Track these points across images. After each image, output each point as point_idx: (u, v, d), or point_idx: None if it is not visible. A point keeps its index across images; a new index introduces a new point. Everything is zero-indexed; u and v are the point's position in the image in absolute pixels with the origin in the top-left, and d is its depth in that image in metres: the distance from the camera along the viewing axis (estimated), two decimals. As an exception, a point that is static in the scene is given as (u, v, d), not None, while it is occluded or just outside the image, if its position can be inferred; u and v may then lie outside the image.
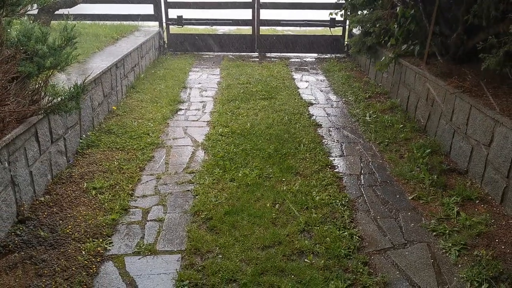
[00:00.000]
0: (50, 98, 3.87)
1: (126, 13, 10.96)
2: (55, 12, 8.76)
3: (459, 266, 3.49)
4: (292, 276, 3.30)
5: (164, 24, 11.12)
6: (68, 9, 8.49)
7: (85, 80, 4.22)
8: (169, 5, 11.00)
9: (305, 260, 3.50)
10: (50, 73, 4.27)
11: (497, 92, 4.97)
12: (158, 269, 3.42)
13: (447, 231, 3.88)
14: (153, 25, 11.16)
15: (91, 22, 10.31)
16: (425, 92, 6.20)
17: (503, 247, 3.71)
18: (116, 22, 10.65)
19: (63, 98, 3.78)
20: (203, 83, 8.74)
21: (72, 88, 3.79)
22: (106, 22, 10.37)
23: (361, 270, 3.39)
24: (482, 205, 4.32)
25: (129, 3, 10.86)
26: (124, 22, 10.77)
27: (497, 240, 3.79)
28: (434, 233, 3.90)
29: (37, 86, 4.20)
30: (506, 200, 4.23)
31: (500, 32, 5.00)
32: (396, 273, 3.41)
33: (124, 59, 7.61)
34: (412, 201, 4.43)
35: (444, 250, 3.68)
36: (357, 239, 3.78)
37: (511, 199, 4.14)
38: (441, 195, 4.47)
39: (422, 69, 6.42)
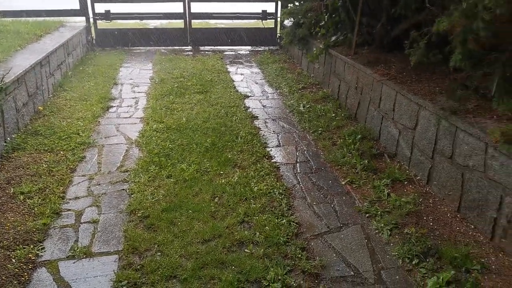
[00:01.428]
0: None
1: (49, 8, 10.40)
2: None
3: (391, 244, 3.67)
4: (233, 267, 3.32)
5: (91, 19, 10.68)
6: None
7: (3, 77, 3.96)
8: (95, -1, 10.59)
9: (245, 250, 3.53)
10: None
11: (420, 78, 5.25)
12: (94, 271, 3.31)
13: (379, 212, 4.07)
14: (80, 21, 10.68)
15: (12, 19, 9.67)
16: (354, 81, 6.43)
17: (430, 224, 3.95)
18: (39, 18, 10.05)
19: None
20: (135, 78, 8.51)
21: None
22: (28, 18, 9.77)
23: (299, 255, 3.47)
24: (410, 186, 4.56)
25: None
26: (48, 18, 10.20)
27: (425, 218, 4.03)
28: (367, 215, 4.07)
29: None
30: (432, 180, 4.50)
31: (420, 21, 5.27)
32: (333, 256, 3.53)
33: (49, 56, 7.23)
34: (345, 185, 4.59)
35: (377, 231, 3.85)
36: (295, 226, 3.87)
37: (437, 179, 4.41)
38: (372, 178, 4.67)
39: (350, 58, 6.64)
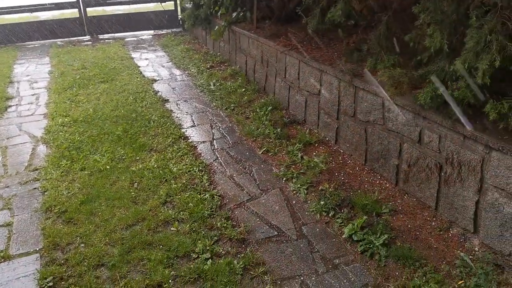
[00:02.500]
0: None
1: None
2: None
3: (309, 202, 3.91)
4: (161, 246, 3.35)
5: (-28, 15, 9.77)
6: None
7: None
8: (-26, -7, 9.68)
9: (171, 229, 3.56)
10: None
11: (320, 46, 5.52)
12: (16, 274, 3.16)
13: (295, 175, 4.29)
14: (-41, 17, 9.74)
15: None
16: (259, 55, 6.59)
17: (342, 178, 4.25)
18: None
19: None
20: (32, 74, 7.98)
21: None
22: None
23: (225, 225, 3.58)
24: (321, 147, 4.84)
25: None
26: None
27: (336, 174, 4.32)
28: (284, 179, 4.28)
29: None
30: (340, 139, 4.81)
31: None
32: (256, 221, 3.68)
33: None
34: (262, 155, 4.76)
35: (294, 191, 4.07)
36: (218, 198, 3.97)
37: (343, 137, 4.72)
38: (286, 145, 4.88)
39: (253, 33, 6.78)
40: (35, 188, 4.25)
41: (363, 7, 4.06)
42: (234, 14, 7.57)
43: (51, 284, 3.03)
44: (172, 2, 11.39)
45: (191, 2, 9.26)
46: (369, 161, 4.35)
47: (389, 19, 3.87)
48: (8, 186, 4.31)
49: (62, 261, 3.24)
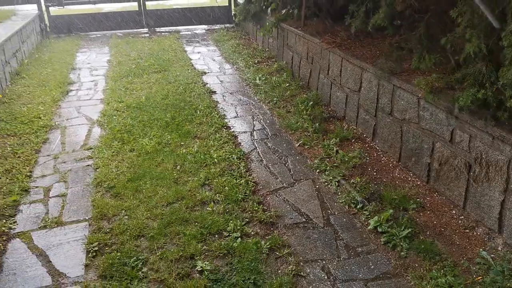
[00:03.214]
0: None
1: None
2: None
3: (339, 194, 4.06)
4: (196, 223, 3.63)
5: (43, 6, 10.55)
6: None
7: None
8: (46, -15, 10.46)
9: (207, 208, 3.84)
10: None
11: (363, 44, 5.62)
12: (67, 238, 3.55)
13: (328, 167, 4.45)
14: (32, 8, 10.52)
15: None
16: (305, 51, 6.75)
17: (374, 173, 4.36)
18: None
19: None
20: (93, 62, 8.57)
21: None
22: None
23: (256, 209, 3.81)
24: (357, 143, 4.96)
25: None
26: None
27: (369, 169, 4.44)
28: (318, 171, 4.44)
29: None
30: (377, 136, 4.91)
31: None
32: (287, 207, 3.89)
33: (4, 45, 7.22)
34: (298, 147, 4.95)
35: (326, 183, 4.23)
36: (252, 184, 4.21)
37: (380, 135, 4.82)
38: (323, 139, 5.04)
39: (300, 30, 6.95)
40: (88, 165, 4.67)
41: (405, 8, 4.14)
42: (283, 11, 7.77)
43: (96, 248, 3.39)
44: (227, -2, 11.75)
45: (244, -2, 9.55)
46: (403, 159, 4.43)
47: (429, 20, 3.93)
48: (64, 162, 4.76)
49: (107, 230, 3.59)
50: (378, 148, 4.83)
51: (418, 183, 4.14)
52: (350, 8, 5.35)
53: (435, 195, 3.93)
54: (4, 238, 3.56)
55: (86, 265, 3.25)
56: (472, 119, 3.39)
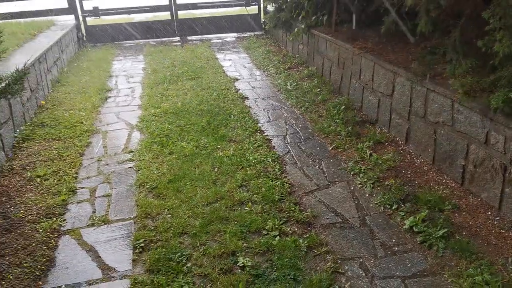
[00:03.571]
0: None
1: (38, 9, 10.68)
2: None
3: (374, 195, 4.15)
4: (235, 222, 3.78)
5: (80, 17, 10.98)
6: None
7: (25, 64, 4.40)
8: (83, -3, 10.89)
9: (245, 208, 3.98)
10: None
11: (395, 49, 5.70)
12: (114, 234, 3.75)
13: (362, 170, 4.54)
14: (69, 19, 10.95)
15: (2, 21, 9.94)
16: (336, 57, 6.86)
17: (408, 176, 4.43)
18: (29, 19, 10.32)
19: (8, 82, 3.92)
20: (129, 70, 8.89)
21: (14, 73, 3.95)
22: (20, 20, 10.04)
23: (293, 209, 3.94)
24: (390, 146, 5.03)
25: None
26: (38, 18, 10.48)
27: (403, 172, 4.51)
28: (352, 173, 4.54)
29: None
30: (410, 139, 4.97)
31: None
32: (323, 208, 4.00)
33: (46, 53, 7.58)
34: (332, 150, 5.05)
35: (360, 185, 4.32)
36: (288, 186, 4.34)
37: (413, 138, 4.88)
38: (356, 142, 5.13)
39: (331, 36, 7.07)
40: (130, 167, 4.89)
41: (439, 13, 4.21)
42: (313, 18, 7.90)
43: (142, 245, 3.57)
44: (256, 7, 11.94)
45: (274, 6, 9.72)
46: (437, 161, 4.48)
47: (463, 25, 4.00)
48: (107, 164, 5.00)
49: (152, 228, 3.78)
50: (411, 151, 4.89)
51: (453, 185, 4.18)
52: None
53: (470, 196, 3.97)
54: (55, 235, 3.79)
55: (134, 260, 3.44)
56: (507, 121, 3.44)
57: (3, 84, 3.93)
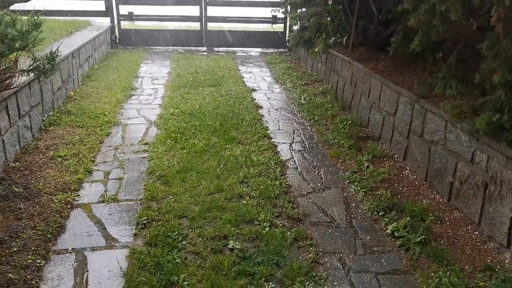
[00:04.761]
0: (31, 62, 4.49)
1: (78, 9, 11.38)
2: (10, 8, 9.11)
3: (364, 202, 4.43)
4: (232, 212, 4.11)
5: (115, 20, 11.64)
6: (23, 4, 8.87)
7: (58, 48, 4.88)
8: (120, 1, 11.55)
9: (242, 201, 4.31)
10: (19, 54, 4.84)
11: (403, 71, 6.01)
12: (120, 211, 4.13)
13: (358, 179, 4.83)
14: (105, 21, 11.62)
15: (44, 17, 10.63)
16: (349, 76, 7.20)
17: (400, 188, 4.70)
18: (69, 17, 11.02)
19: (41, 62, 4.39)
20: (154, 73, 9.40)
21: (48, 54, 4.43)
22: (59, 17, 10.72)
23: (286, 206, 4.25)
24: (388, 161, 5.31)
25: (81, -1, 11.32)
26: (76, 18, 11.17)
27: (396, 184, 4.78)
28: (348, 181, 4.83)
29: (7, 65, 4.78)
30: (407, 156, 5.24)
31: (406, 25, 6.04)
32: (314, 208, 4.30)
33: (79, 50, 8.15)
34: (332, 159, 5.36)
35: (353, 192, 4.61)
36: (285, 186, 4.66)
37: (410, 155, 5.15)
38: (356, 155, 5.42)
39: (347, 56, 7.42)
40: (143, 157, 5.29)
41: (442, 39, 4.53)
42: (333, 39, 8.27)
43: (145, 222, 3.94)
44: (282, 25, 12.41)
45: (299, 25, 10.13)
46: (429, 178, 4.74)
47: (459, 51, 4.30)
48: (123, 153, 5.41)
49: (155, 209, 4.15)
50: (407, 167, 5.15)
51: (440, 200, 4.43)
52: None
53: (454, 212, 4.21)
54: (69, 207, 4.18)
55: (135, 234, 3.80)
56: (490, 141, 3.71)
57: (36, 64, 4.39)
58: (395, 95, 5.50)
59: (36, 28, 4.93)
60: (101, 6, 11.49)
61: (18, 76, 4.92)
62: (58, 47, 5.03)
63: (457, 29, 4.09)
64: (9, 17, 4.82)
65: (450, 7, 3.87)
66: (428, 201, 4.40)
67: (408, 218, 3.98)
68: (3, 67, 4.78)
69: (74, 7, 11.38)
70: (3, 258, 3.37)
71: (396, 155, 5.44)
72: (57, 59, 4.68)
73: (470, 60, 4.20)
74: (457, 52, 4.29)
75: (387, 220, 4.06)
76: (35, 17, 4.95)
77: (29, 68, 4.49)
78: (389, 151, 5.55)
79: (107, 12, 11.49)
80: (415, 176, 4.93)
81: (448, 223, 4.04)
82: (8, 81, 4.74)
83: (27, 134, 5.41)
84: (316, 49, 8.36)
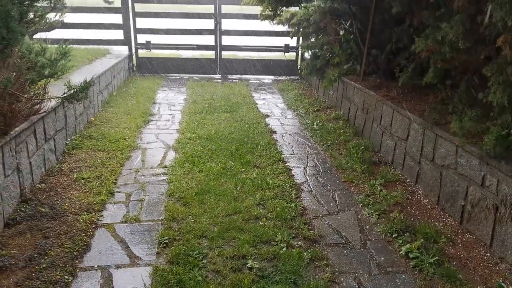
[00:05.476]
0: (66, 90, 4.77)
1: (98, 38, 11.84)
2: (34, 36, 9.54)
3: (378, 224, 4.55)
4: (249, 232, 4.26)
5: (133, 48, 12.06)
6: (46, 32, 9.28)
7: (92, 77, 5.17)
8: (138, 31, 11.98)
9: (260, 222, 4.46)
10: (48, 81, 5.13)
11: (414, 98, 6.19)
12: (142, 231, 4.30)
13: (371, 202, 4.96)
14: (123, 49, 12.02)
15: (72, 45, 11.09)
16: (361, 103, 7.40)
17: (412, 211, 4.81)
18: (89, 46, 11.46)
19: (75, 90, 4.65)
20: (171, 99, 9.70)
21: (82, 83, 4.71)
22: (81, 46, 11.16)
23: (302, 227, 4.39)
24: (400, 185, 5.44)
25: (101, 29, 11.74)
26: (96, 46, 11.61)
27: (408, 208, 4.90)
28: (361, 204, 4.96)
29: (37, 91, 5.07)
30: (419, 181, 5.37)
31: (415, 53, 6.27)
32: (329, 230, 4.43)
33: (100, 77, 8.48)
34: (346, 184, 5.51)
35: (367, 215, 4.74)
36: (301, 209, 4.80)
37: (422, 179, 5.28)
38: (369, 179, 5.57)
39: (359, 84, 7.64)
40: (163, 179, 5.49)
41: (451, 68, 4.72)
42: (345, 66, 8.52)
43: (166, 241, 4.10)
44: (294, 54, 12.74)
45: (310, 53, 10.44)
46: (441, 202, 4.85)
47: (469, 78, 4.49)
48: (144, 175, 5.61)
49: (176, 229, 4.31)
50: (419, 191, 5.27)
51: (453, 223, 4.54)
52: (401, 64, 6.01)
53: (466, 234, 4.32)
54: (93, 226, 4.37)
55: (158, 253, 3.95)
56: (499, 164, 3.85)
57: (72, 91, 4.66)
58: (407, 121, 5.68)
59: (65, 56, 5.24)
60: (120, 35, 11.92)
61: (46, 101, 5.20)
62: (92, 78, 5.33)
63: (465, 58, 4.27)
64: (39, 45, 5.13)
65: (459, 36, 4.08)
66: (441, 224, 4.52)
67: (422, 240, 4.10)
68: (33, 93, 5.06)
69: (94, 36, 11.82)
70: (33, 274, 3.55)
71: (408, 179, 5.57)
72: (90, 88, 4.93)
73: (480, 87, 4.37)
74: (466, 80, 4.47)
75: (400, 242, 4.18)
76: (64, 46, 5.25)
77: (64, 96, 4.75)
78: (401, 176, 5.69)
79: (126, 41, 11.92)
80: (427, 200, 5.05)
81: (460, 245, 4.14)
82: (37, 106, 5.01)
83: (52, 157, 5.65)
84: (331, 77, 8.59)
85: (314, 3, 9.56)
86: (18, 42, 3.71)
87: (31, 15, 4.43)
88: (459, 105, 4.65)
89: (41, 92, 5.09)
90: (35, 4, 4.19)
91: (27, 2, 4.03)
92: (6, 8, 3.21)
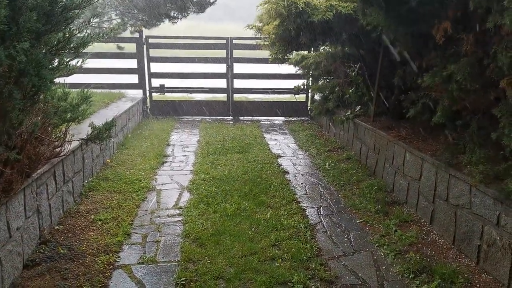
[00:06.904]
0: (90, 131, 4.97)
1: (114, 82, 12.21)
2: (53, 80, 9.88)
3: (394, 265, 4.53)
4: (266, 273, 4.27)
5: (147, 92, 12.40)
6: (65, 77, 9.62)
7: (114, 117, 5.34)
8: (152, 75, 12.36)
9: (275, 263, 4.48)
10: (69, 125, 5.32)
11: (425, 138, 6.27)
12: (159, 272, 4.33)
13: (386, 243, 4.95)
14: (137, 93, 12.38)
15: (92, 90, 11.46)
16: (372, 143, 7.50)
17: (428, 252, 4.80)
18: (105, 90, 11.80)
19: (100, 130, 4.82)
20: (185, 141, 9.88)
21: (105, 125, 4.90)
22: (97, 90, 11.49)
23: (318, 268, 4.39)
24: (415, 226, 5.44)
25: (117, 73, 12.14)
26: (112, 90, 11.96)
27: (424, 248, 4.88)
28: (377, 245, 4.96)
29: (58, 134, 5.24)
30: (434, 221, 5.37)
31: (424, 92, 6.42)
32: (345, 271, 4.42)
33: (116, 120, 8.70)
34: (360, 224, 5.52)
35: (383, 255, 4.73)
36: (316, 249, 4.81)
37: (437, 220, 5.29)
38: (384, 219, 5.58)
39: (370, 124, 7.76)
40: (178, 221, 5.55)
41: (461, 108, 4.84)
42: (357, 108, 8.68)
43: (183, 282, 4.12)
44: (304, 95, 12.99)
45: (320, 95, 10.65)
46: (457, 242, 4.84)
47: (479, 119, 4.59)
48: (159, 216, 5.68)
49: (192, 270, 4.34)
50: (435, 232, 5.26)
51: (469, 263, 4.51)
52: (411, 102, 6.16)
53: (484, 274, 4.28)
54: (111, 267, 4.41)
55: (176, 294, 3.98)
56: (514, 204, 3.88)
57: (95, 132, 4.84)
58: (419, 161, 5.74)
59: (86, 101, 5.44)
60: (135, 79, 12.30)
61: (66, 144, 5.37)
62: (114, 117, 5.51)
63: (474, 98, 4.39)
64: (61, 91, 5.36)
65: (466, 78, 4.22)
66: (457, 264, 4.49)
67: (439, 280, 4.08)
68: (55, 136, 5.24)
69: (109, 80, 12.19)
70: (53, 316, 3.58)
71: (423, 219, 5.57)
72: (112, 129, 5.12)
73: (491, 127, 4.45)
74: (477, 121, 4.56)
75: (418, 283, 4.15)
76: (85, 91, 5.47)
77: (88, 137, 4.95)
78: (415, 215, 5.69)
79: (140, 85, 12.28)
80: (443, 240, 5.03)
81: (478, 286, 4.11)
82: (58, 149, 5.17)
83: (70, 198, 5.77)
84: (343, 118, 8.73)
85: (322, 47, 9.87)
86: (48, 89, 3.90)
87: (55, 62, 4.64)
88: (470, 144, 4.72)
89: (63, 136, 5.26)
90: (60, 52, 4.40)
91: (53, 51, 4.25)
92: (38, 57, 3.41)
